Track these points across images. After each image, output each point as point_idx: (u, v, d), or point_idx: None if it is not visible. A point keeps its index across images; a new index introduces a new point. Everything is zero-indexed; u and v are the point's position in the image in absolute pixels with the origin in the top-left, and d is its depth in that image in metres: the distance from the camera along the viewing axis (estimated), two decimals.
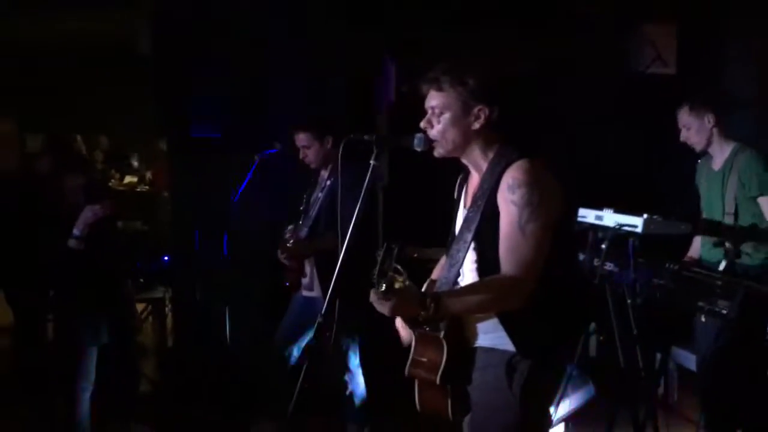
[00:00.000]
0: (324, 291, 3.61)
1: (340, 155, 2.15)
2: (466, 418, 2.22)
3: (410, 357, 2.17)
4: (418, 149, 2.15)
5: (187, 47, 4.54)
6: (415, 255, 4.00)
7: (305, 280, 3.73)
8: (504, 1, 4.91)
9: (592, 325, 4.44)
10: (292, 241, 3.66)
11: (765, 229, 3.31)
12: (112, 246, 3.54)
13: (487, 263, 2.08)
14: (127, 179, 8.61)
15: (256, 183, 3.89)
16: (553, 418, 3.71)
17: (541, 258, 2.00)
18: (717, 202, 3.50)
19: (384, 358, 3.77)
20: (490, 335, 2.12)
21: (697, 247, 3.65)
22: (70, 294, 3.43)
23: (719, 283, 2.91)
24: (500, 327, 2.08)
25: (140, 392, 4.25)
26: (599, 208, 3.30)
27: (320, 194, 3.69)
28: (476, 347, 2.16)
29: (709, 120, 3.46)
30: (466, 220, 2.16)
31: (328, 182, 3.65)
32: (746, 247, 3.30)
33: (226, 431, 3.75)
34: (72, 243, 3.32)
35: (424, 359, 2.13)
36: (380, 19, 4.83)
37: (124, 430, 3.86)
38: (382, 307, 1.99)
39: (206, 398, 4.10)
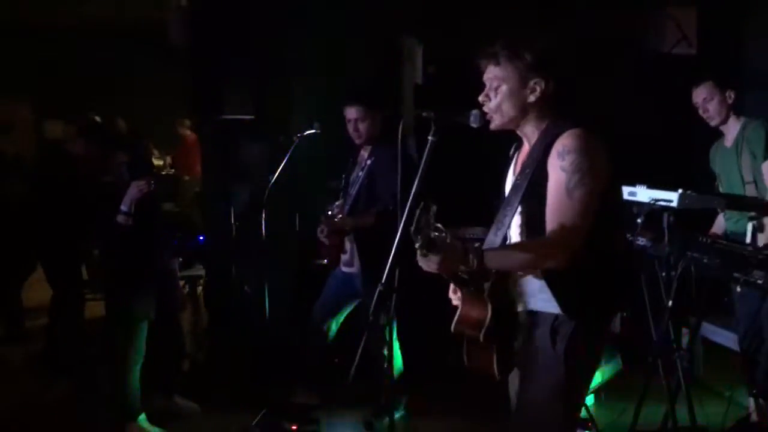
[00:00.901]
0: (364, 266, 3.72)
1: (400, 130, 2.23)
2: (511, 375, 2.32)
3: (457, 314, 2.25)
4: (474, 125, 2.24)
5: (220, 29, 4.62)
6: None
7: (345, 257, 3.83)
8: None
9: None
10: (339, 216, 3.74)
11: None
12: (158, 222, 3.64)
13: (533, 227, 2.16)
14: (155, 162, 8.73)
15: (293, 164, 3.96)
16: None
17: (587, 223, 2.06)
18: (735, 176, 3.60)
19: (420, 332, 3.91)
20: (535, 298, 2.21)
21: (721, 223, 3.73)
22: (122, 270, 3.54)
23: (754, 254, 3.00)
24: (544, 291, 2.16)
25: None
26: (631, 184, 3.39)
27: (360, 173, 3.76)
28: (521, 311, 2.26)
29: (729, 96, 3.57)
30: (514, 186, 2.24)
31: (368, 162, 3.72)
32: None
33: (266, 404, 3.84)
34: (120, 219, 3.43)
35: (470, 317, 2.21)
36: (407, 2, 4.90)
37: (169, 402, 3.98)
38: (430, 263, 2.04)
39: (246, 373, 4.22)
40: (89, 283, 4.88)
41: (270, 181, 3.95)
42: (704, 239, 3.27)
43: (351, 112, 3.72)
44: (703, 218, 3.81)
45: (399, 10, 4.86)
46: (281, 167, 3.92)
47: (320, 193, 4.31)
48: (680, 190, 3.16)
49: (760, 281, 2.88)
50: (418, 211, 1.99)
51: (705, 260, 3.15)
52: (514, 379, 2.36)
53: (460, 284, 2.25)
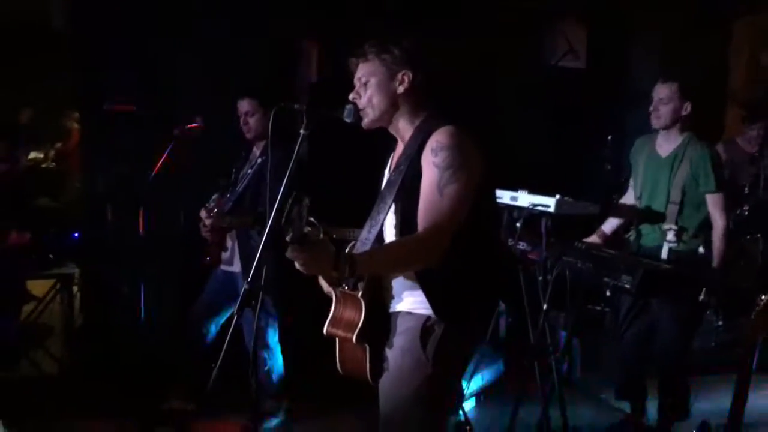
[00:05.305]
0: (244, 266, 3.61)
1: (270, 124, 2.15)
2: (382, 380, 2.24)
3: (330, 315, 2.19)
4: (348, 120, 2.19)
5: (103, 18, 4.41)
6: (334, 236, 4.02)
7: (225, 255, 3.71)
8: None
9: (502, 306, 4.62)
10: (215, 210, 3.61)
11: (704, 220, 3.45)
12: None
13: (407, 223, 2.11)
14: (32, 155, 8.23)
15: (174, 158, 3.81)
16: (465, 392, 3.85)
17: (456, 220, 2.04)
18: (662, 190, 3.52)
19: (303, 336, 3.82)
20: (409, 300, 2.17)
21: (612, 225, 3.74)
22: None
23: (622, 260, 3.10)
24: (417, 292, 2.13)
25: (46, 372, 4.12)
26: (514, 189, 3.44)
27: (249, 171, 3.65)
28: (394, 312, 2.21)
29: (686, 108, 3.47)
30: (388, 183, 2.21)
31: (259, 160, 3.62)
32: (684, 235, 3.45)
33: (139, 409, 3.66)
34: None
35: (343, 317, 2.15)
36: (304, 3, 4.84)
37: None
38: (296, 259, 1.94)
39: (116, 377, 4.01)
40: None
41: (149, 176, 3.79)
42: (579, 244, 3.36)
43: (242, 105, 3.67)
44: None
45: (297, 10, 4.79)
46: (161, 162, 3.76)
47: (209, 190, 4.16)
48: (557, 196, 3.23)
49: (627, 285, 2.98)
50: (289, 202, 1.89)
51: (579, 265, 3.23)
52: (383, 382, 2.30)
53: (333, 284, 2.19)
